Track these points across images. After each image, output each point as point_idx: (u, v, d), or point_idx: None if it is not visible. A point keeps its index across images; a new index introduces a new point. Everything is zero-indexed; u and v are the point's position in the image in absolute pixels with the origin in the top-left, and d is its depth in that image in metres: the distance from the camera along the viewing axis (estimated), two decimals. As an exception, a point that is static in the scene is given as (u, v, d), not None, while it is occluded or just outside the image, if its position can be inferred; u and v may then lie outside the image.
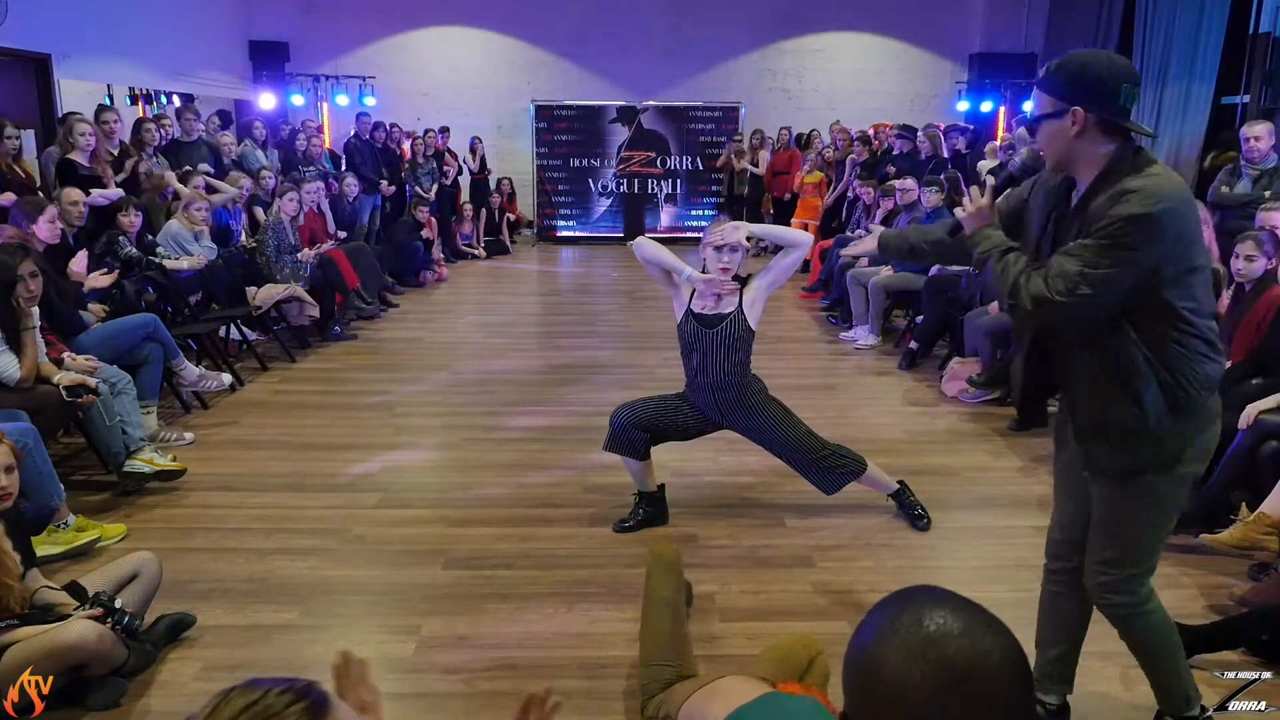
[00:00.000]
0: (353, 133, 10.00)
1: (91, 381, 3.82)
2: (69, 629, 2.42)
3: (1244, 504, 3.34)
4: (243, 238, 7.02)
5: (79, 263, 4.92)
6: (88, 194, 5.46)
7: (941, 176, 7.39)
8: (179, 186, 6.55)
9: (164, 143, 6.81)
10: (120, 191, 5.91)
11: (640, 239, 3.65)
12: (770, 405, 3.60)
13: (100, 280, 4.85)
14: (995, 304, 5.50)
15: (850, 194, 9.39)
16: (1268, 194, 5.22)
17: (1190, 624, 2.76)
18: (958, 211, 2.25)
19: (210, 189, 6.76)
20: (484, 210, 11.66)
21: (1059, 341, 2.12)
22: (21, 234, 4.41)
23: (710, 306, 3.50)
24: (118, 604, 2.60)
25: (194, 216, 6.16)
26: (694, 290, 3.53)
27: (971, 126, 10.63)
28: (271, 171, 7.85)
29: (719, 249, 3.46)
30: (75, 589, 2.66)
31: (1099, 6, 10.60)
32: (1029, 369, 2.24)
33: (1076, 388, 2.12)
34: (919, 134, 9.10)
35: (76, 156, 5.76)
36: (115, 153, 6.27)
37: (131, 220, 5.60)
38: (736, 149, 11.80)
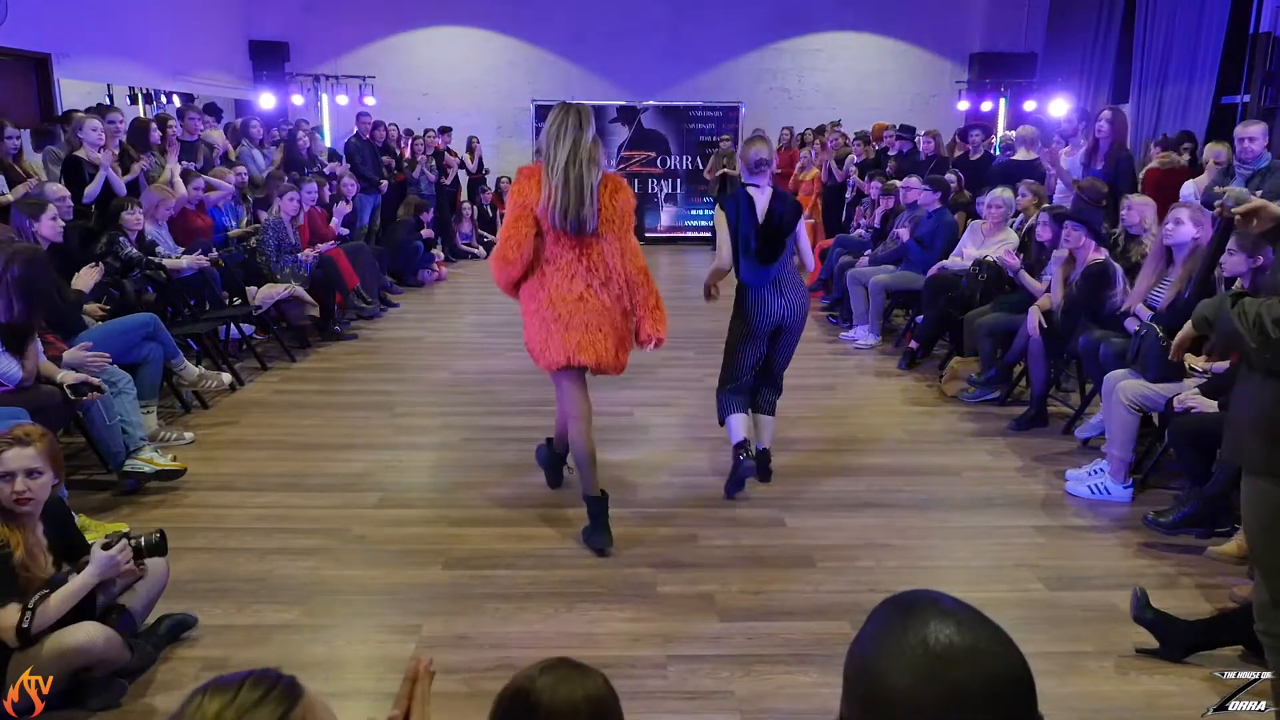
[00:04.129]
0: (353, 132, 10.01)
1: (95, 379, 3.81)
2: (75, 632, 2.42)
3: None
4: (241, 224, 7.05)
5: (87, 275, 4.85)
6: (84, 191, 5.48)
7: (945, 176, 7.39)
8: (170, 186, 6.51)
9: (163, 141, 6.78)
10: (123, 190, 5.92)
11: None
12: None
13: (89, 275, 4.77)
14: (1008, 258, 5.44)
15: (851, 192, 9.40)
16: (1259, 194, 5.21)
17: (1185, 620, 2.76)
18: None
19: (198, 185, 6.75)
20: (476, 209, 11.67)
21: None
22: (14, 231, 4.41)
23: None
24: (125, 532, 2.62)
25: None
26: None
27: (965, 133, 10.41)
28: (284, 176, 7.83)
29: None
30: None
31: (1099, 6, 10.60)
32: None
33: (1251, 382, 2.09)
34: (919, 133, 9.10)
35: (84, 154, 5.76)
36: (116, 153, 6.27)
37: (137, 219, 5.59)
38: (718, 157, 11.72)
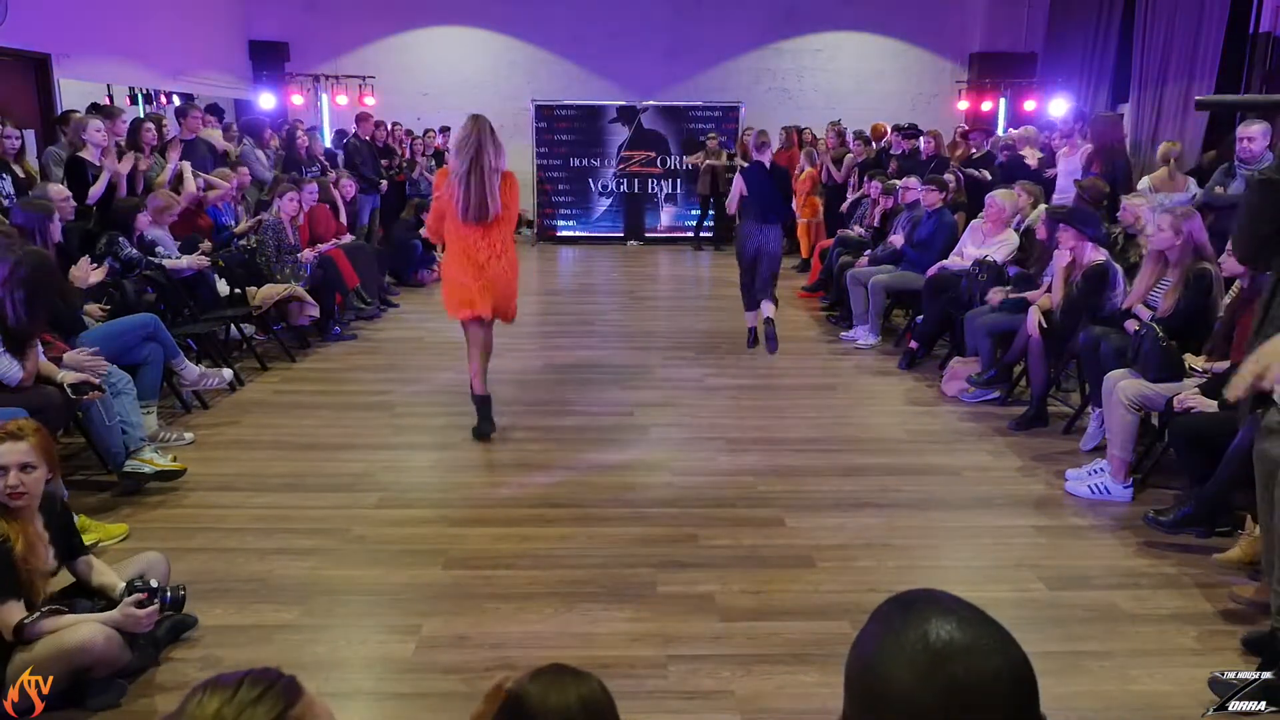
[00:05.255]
0: (352, 132, 10.00)
1: (95, 379, 3.81)
2: (76, 632, 2.42)
3: (1249, 516, 3.31)
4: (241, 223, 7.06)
5: (82, 269, 4.87)
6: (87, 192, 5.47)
7: (945, 176, 7.39)
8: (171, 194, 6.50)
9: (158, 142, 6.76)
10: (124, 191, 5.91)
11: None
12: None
13: (93, 275, 4.77)
14: (993, 296, 5.47)
15: (851, 192, 9.39)
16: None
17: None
18: None
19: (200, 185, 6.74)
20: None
21: None
22: (31, 233, 4.40)
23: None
24: (154, 584, 2.65)
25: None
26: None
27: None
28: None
29: None
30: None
31: (1099, 6, 10.60)
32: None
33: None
34: (921, 134, 9.10)
35: (87, 154, 5.75)
36: (134, 156, 6.25)
37: (147, 219, 5.59)
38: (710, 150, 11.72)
